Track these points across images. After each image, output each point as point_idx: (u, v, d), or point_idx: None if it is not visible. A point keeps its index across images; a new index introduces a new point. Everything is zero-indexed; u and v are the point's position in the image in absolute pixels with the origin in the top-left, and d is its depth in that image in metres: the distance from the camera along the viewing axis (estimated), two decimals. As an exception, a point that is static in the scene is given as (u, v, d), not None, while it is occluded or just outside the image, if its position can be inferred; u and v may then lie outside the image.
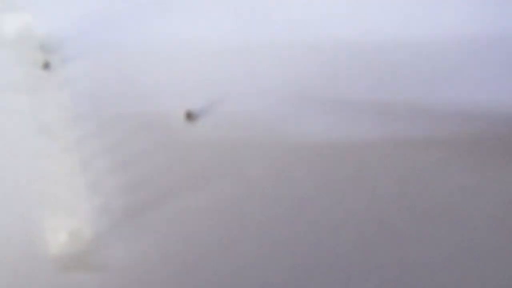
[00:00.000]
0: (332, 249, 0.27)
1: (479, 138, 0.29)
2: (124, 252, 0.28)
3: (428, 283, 0.26)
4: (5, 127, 0.31)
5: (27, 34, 0.31)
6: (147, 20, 0.33)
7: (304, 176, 0.29)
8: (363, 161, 0.29)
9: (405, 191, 0.27)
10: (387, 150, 0.28)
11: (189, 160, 0.29)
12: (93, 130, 0.30)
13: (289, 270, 0.27)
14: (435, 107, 0.29)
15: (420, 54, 0.29)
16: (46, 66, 0.31)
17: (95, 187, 0.29)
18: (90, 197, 0.29)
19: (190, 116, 0.30)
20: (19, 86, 0.31)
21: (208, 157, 0.29)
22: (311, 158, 0.29)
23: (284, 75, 0.31)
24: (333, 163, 0.29)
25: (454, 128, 0.29)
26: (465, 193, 0.27)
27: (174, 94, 0.31)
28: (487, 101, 0.29)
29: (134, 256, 0.28)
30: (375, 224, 0.27)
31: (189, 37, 0.32)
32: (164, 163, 0.29)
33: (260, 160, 0.29)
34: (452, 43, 0.29)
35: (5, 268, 0.27)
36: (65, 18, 0.33)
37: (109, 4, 0.34)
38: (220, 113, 0.30)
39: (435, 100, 0.29)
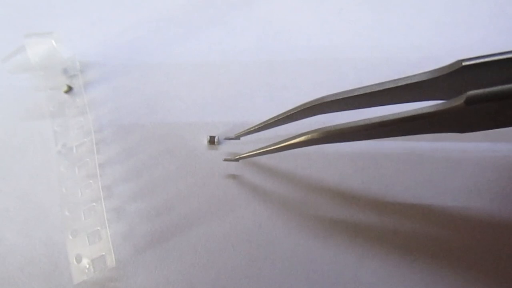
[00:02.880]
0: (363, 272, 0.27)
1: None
2: (147, 279, 0.27)
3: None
4: (27, 151, 0.31)
5: (51, 58, 0.31)
6: (168, 43, 0.33)
7: (329, 201, 0.28)
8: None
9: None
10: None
11: (212, 186, 0.29)
12: (116, 155, 0.30)
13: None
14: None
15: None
16: (69, 90, 0.32)
17: (118, 213, 0.29)
18: (113, 223, 0.29)
19: (212, 140, 0.30)
20: (42, 110, 0.31)
21: (231, 182, 0.29)
22: (337, 184, 0.29)
23: (305, 90, 0.31)
24: (361, 182, 0.29)
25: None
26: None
27: (197, 118, 0.31)
28: None
29: (157, 283, 0.27)
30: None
31: (211, 60, 0.32)
32: (188, 189, 0.29)
33: (285, 185, 0.29)
34: None
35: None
36: (86, 42, 0.33)
37: (131, 28, 0.34)
38: (244, 137, 0.30)
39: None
